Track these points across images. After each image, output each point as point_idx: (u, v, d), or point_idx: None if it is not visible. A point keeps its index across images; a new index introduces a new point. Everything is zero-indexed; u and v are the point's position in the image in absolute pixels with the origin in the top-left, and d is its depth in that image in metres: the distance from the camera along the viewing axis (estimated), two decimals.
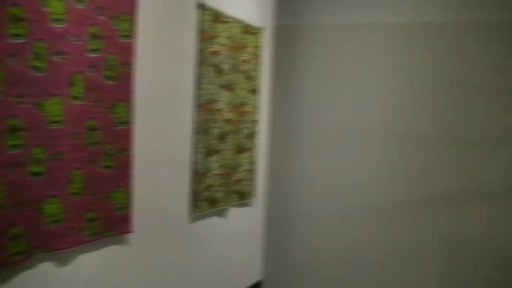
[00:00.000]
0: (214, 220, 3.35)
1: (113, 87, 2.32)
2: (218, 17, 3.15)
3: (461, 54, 3.46)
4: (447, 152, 3.51)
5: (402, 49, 3.63)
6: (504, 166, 3.37)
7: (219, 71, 3.20)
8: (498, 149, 3.38)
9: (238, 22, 3.39)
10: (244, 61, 3.48)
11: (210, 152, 3.18)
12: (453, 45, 3.48)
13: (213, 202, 3.25)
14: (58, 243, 2.09)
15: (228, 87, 3.31)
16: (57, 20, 1.98)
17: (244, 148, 3.56)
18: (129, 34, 2.38)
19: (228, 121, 3.34)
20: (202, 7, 2.99)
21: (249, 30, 3.53)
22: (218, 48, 3.18)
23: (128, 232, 2.49)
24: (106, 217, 2.34)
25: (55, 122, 2.03)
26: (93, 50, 2.19)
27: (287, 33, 3.98)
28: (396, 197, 3.67)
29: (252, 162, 3.69)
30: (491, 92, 3.38)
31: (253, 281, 3.96)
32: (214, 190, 3.25)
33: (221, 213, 3.42)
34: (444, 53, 3.50)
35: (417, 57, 3.58)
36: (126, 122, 2.42)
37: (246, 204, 3.73)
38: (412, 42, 3.60)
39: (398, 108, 3.65)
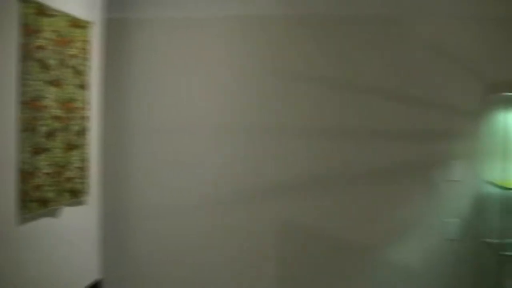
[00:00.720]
0: (45, 221, 3.23)
1: None
2: (42, 10, 3.03)
3: (298, 47, 3.67)
4: (278, 143, 3.73)
5: (238, 42, 3.77)
6: (337, 157, 3.66)
7: (45, 66, 3.08)
8: (332, 139, 3.66)
9: (65, 15, 3.29)
10: (72, 55, 3.39)
11: (37, 150, 3.06)
12: (287, 38, 3.69)
13: (43, 202, 3.13)
14: None
15: (55, 82, 3.21)
16: None
17: (74, 145, 3.48)
18: None
19: (56, 118, 3.23)
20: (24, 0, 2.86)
21: (77, 23, 3.44)
22: (44, 43, 3.06)
23: None
24: None
25: None
26: None
27: (118, 26, 3.92)
28: (234, 190, 3.81)
29: (83, 160, 3.61)
30: (328, 84, 3.65)
31: (90, 280, 3.89)
32: (44, 189, 3.13)
33: (53, 213, 3.31)
34: (281, 46, 3.70)
35: (256, 50, 3.74)
36: None
37: (79, 203, 3.65)
38: (247, 35, 3.75)
39: (233, 100, 3.79)
